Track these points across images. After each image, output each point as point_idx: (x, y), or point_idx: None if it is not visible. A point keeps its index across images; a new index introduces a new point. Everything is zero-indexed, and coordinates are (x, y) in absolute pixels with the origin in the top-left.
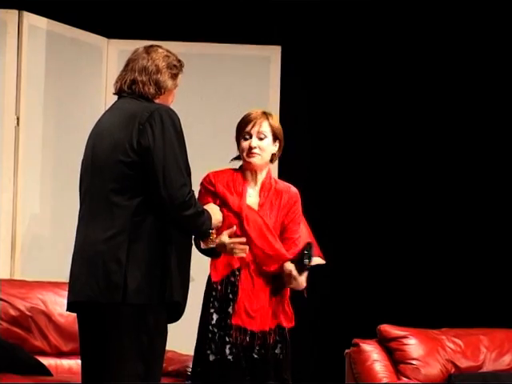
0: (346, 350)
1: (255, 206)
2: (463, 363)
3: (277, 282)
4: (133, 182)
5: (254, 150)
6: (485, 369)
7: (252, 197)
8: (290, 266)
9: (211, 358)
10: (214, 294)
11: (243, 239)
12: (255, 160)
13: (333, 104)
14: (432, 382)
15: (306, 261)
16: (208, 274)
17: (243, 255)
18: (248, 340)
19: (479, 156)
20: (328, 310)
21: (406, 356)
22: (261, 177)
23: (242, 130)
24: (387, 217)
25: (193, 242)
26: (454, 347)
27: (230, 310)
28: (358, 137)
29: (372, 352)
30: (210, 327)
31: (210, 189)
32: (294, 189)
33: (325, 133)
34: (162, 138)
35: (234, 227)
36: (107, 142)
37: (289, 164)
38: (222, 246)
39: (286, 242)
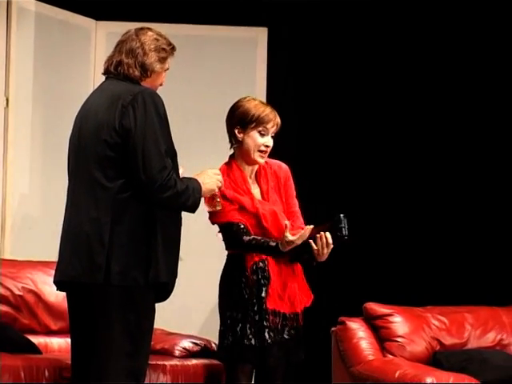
0: (333, 328)
1: (259, 196)
2: (448, 340)
3: (297, 262)
4: (115, 164)
5: (263, 152)
6: (469, 346)
7: (254, 188)
8: (324, 239)
9: (253, 342)
10: (243, 280)
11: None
12: (264, 160)
13: (319, 85)
14: (417, 359)
15: (345, 232)
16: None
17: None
18: (281, 322)
19: (467, 144)
20: (314, 289)
21: (391, 333)
22: (261, 161)
23: (260, 124)
24: (372, 197)
25: (179, 219)
26: (439, 325)
27: (263, 294)
28: (344, 117)
29: (358, 330)
30: (249, 312)
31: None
32: (284, 165)
33: (311, 114)
34: (144, 121)
35: (287, 223)
36: (92, 123)
37: (275, 145)
38: (291, 243)
39: (288, 216)
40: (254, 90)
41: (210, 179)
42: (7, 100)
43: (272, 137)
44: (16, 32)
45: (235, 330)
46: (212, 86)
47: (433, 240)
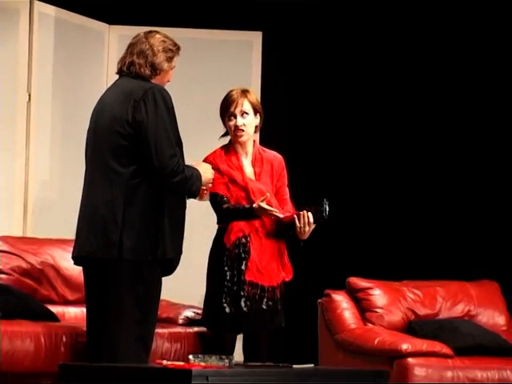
0: (319, 300)
1: (252, 176)
2: (422, 311)
3: (280, 239)
4: (128, 152)
5: (241, 128)
6: (441, 316)
7: (247, 168)
8: (306, 218)
9: (227, 310)
10: (226, 253)
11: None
12: (243, 138)
13: (309, 84)
14: (394, 327)
15: (325, 214)
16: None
17: (280, 216)
18: (259, 293)
19: (443, 124)
20: (303, 265)
21: (371, 305)
22: (250, 148)
23: (226, 110)
24: (355, 184)
25: (186, 200)
26: (414, 297)
27: (243, 267)
28: (332, 112)
29: (341, 301)
30: (226, 283)
31: (214, 169)
32: (279, 155)
33: (301, 109)
34: (155, 114)
35: (268, 194)
36: (107, 116)
37: (270, 139)
38: (262, 210)
39: (280, 203)
40: (250, 88)
41: (207, 170)
42: (29, 95)
43: (246, 114)
44: (37, 35)
45: (215, 300)
46: (211, 84)
47: (409, 221)
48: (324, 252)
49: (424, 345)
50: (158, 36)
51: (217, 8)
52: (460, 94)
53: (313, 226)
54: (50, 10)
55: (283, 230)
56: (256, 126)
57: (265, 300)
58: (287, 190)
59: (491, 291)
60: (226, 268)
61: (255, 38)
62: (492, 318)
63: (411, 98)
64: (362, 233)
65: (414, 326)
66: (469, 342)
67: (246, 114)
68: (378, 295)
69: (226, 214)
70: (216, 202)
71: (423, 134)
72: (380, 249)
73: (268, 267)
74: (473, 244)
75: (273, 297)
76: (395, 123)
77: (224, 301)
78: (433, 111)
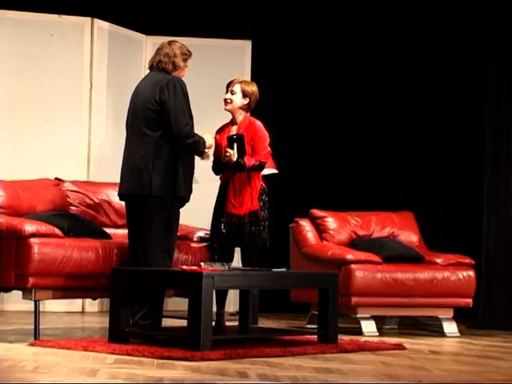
0: (290, 225)
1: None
2: (360, 232)
3: (250, 183)
4: (156, 122)
5: (227, 100)
6: (373, 236)
7: (234, 131)
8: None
9: (224, 231)
10: (218, 193)
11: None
12: (227, 107)
13: (291, 83)
14: (342, 243)
15: (233, 136)
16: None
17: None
18: (234, 221)
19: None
20: (280, 202)
21: (326, 228)
22: (239, 118)
23: (227, 88)
24: (316, 131)
25: (196, 158)
26: (355, 223)
27: (225, 202)
28: (307, 88)
29: (305, 226)
30: (218, 214)
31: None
32: (258, 122)
33: (284, 103)
34: (174, 96)
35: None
36: (141, 98)
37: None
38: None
39: (255, 156)
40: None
41: (209, 139)
42: (91, 85)
43: (233, 93)
44: (96, 43)
45: (214, 225)
46: (210, 81)
47: (354, 170)
48: (294, 192)
49: (362, 255)
50: (177, 44)
51: (217, 21)
52: (390, 92)
53: (231, 151)
54: (105, 25)
55: (235, 167)
56: (244, 105)
57: (239, 224)
58: (262, 147)
59: (408, 219)
60: (218, 205)
61: (246, 45)
62: (408, 237)
63: (364, 93)
64: (321, 178)
65: (355, 243)
66: (392, 253)
67: (235, 92)
68: (331, 221)
69: (214, 168)
70: (214, 160)
71: (367, 106)
72: (332, 189)
73: (240, 200)
74: (397, 187)
75: (243, 222)
76: (347, 101)
77: (214, 224)
78: (373, 99)
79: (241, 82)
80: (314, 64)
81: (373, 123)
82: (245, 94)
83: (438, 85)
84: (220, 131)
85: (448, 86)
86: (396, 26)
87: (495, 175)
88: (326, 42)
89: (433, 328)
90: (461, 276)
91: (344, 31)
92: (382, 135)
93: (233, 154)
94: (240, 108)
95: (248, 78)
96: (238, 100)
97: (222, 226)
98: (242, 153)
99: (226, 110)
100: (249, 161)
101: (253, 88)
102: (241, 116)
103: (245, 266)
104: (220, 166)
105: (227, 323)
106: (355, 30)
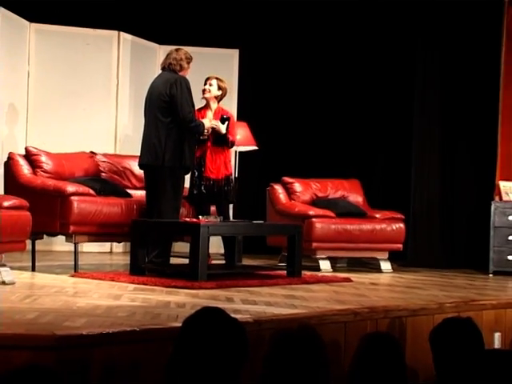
0: (267, 188)
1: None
2: (320, 194)
3: (224, 151)
4: (167, 110)
5: (205, 90)
6: (330, 197)
7: (210, 116)
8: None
9: (195, 191)
10: (196, 161)
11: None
12: (205, 95)
13: (274, 86)
14: (306, 202)
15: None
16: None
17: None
18: (212, 183)
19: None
20: (260, 169)
21: (294, 191)
22: (213, 106)
23: (205, 82)
24: (289, 119)
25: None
26: (316, 187)
27: (203, 168)
28: (286, 85)
29: (278, 189)
30: (195, 178)
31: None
32: (226, 110)
33: (267, 102)
34: (180, 90)
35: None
36: (155, 92)
37: (250, 115)
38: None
39: (230, 135)
40: (231, 88)
41: (206, 123)
42: (118, 83)
43: (211, 85)
44: (122, 50)
45: (192, 187)
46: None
47: (317, 144)
48: (270, 164)
49: (321, 211)
50: (182, 50)
51: (211, 33)
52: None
53: (222, 126)
54: (129, 37)
55: (223, 139)
56: (218, 96)
57: (216, 186)
58: (235, 130)
59: (355, 184)
60: (195, 170)
61: (234, 53)
62: (355, 198)
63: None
64: (291, 153)
65: (316, 202)
66: (343, 210)
67: (211, 85)
68: (297, 186)
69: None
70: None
71: (330, 98)
72: (300, 161)
73: (216, 167)
74: (348, 160)
75: (219, 184)
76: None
77: (195, 186)
78: (329, 89)
79: (216, 78)
80: (289, 62)
81: (333, 112)
82: (219, 87)
83: (377, 79)
84: (200, 110)
85: (385, 80)
86: (360, 32)
87: (421, 149)
88: (298, 48)
89: (372, 266)
90: (394, 227)
91: (313, 42)
92: (339, 121)
93: (223, 128)
94: (215, 97)
95: (236, 79)
96: (214, 91)
97: (203, 188)
98: (227, 130)
99: (203, 98)
100: (232, 137)
101: (225, 84)
102: (214, 104)
103: (221, 216)
104: (199, 140)
105: (218, 262)
106: (324, 38)
